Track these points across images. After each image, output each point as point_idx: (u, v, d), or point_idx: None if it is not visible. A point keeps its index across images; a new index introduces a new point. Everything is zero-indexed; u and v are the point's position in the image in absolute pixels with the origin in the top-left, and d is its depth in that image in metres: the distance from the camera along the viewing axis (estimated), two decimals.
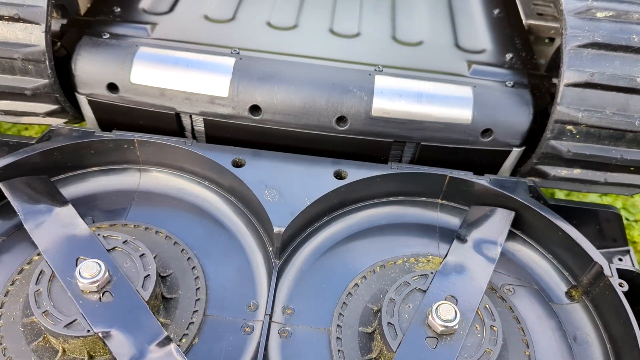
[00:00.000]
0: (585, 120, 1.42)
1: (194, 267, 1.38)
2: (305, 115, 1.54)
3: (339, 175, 1.48)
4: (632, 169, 1.50)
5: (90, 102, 1.60)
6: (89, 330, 1.14)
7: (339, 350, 1.26)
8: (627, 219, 2.44)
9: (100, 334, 1.13)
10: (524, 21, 1.89)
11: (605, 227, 1.61)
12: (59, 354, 1.18)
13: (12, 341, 1.20)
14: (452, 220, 1.56)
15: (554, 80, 1.61)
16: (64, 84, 1.55)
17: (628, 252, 1.53)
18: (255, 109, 1.55)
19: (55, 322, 1.15)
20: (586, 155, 1.47)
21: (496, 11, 1.88)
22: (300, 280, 1.39)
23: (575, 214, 1.60)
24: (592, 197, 2.42)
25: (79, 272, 1.18)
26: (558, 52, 1.73)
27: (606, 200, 2.46)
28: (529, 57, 1.71)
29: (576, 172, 1.53)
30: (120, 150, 1.52)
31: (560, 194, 2.44)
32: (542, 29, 1.89)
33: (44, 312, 1.16)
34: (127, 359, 1.10)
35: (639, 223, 2.46)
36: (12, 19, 1.39)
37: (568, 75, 1.40)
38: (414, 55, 1.69)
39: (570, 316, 1.38)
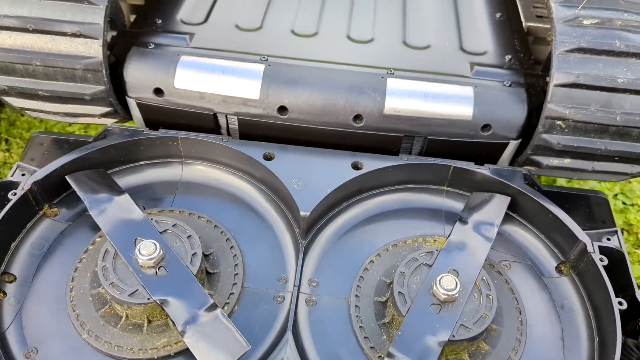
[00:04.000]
0: (572, 116, 1.59)
1: (232, 247, 1.58)
2: (326, 114, 1.72)
3: (355, 166, 1.65)
4: (616, 158, 1.66)
5: (139, 105, 1.79)
6: (149, 298, 1.34)
7: (357, 316, 1.46)
8: (624, 203, 2.60)
9: (158, 301, 1.34)
10: (523, 23, 2.04)
11: (596, 210, 1.78)
12: (123, 318, 1.39)
13: (83, 308, 1.42)
14: (457, 205, 1.72)
15: (548, 79, 1.79)
16: (115, 89, 1.75)
17: (615, 232, 1.71)
18: (282, 109, 1.72)
19: (121, 292, 1.35)
20: (574, 146, 1.63)
21: (498, 15, 2.04)
22: (323, 257, 1.58)
23: (568, 199, 1.77)
24: (592, 183, 2.59)
25: (139, 251, 1.38)
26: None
27: (605, 185, 2.63)
28: (526, 58, 1.88)
29: (566, 162, 1.70)
30: (165, 146, 1.72)
31: (562, 181, 2.61)
32: (541, 30, 2.04)
33: (110, 284, 1.37)
34: (182, 321, 1.31)
35: (635, 207, 2.61)
36: (74, 35, 1.59)
37: (557, 76, 1.57)
38: (422, 58, 1.86)
39: (559, 288, 1.56)
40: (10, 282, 1.46)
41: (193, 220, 1.63)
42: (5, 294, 1.44)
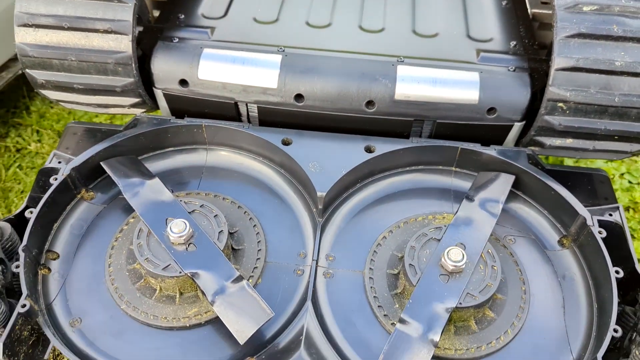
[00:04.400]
0: (573, 98, 1.68)
1: (254, 225, 1.70)
2: (340, 100, 1.82)
3: (368, 149, 1.75)
4: (616, 137, 1.74)
5: (165, 95, 1.91)
6: (180, 272, 1.46)
7: (371, 287, 1.58)
8: (630, 182, 2.67)
9: (189, 274, 1.46)
10: (529, 10, 2.13)
11: (598, 187, 1.87)
12: (157, 291, 1.52)
13: (121, 282, 1.55)
14: (464, 185, 1.81)
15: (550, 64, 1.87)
16: (143, 81, 1.86)
17: (617, 208, 1.79)
18: (299, 97, 1.83)
19: (155, 266, 1.48)
20: (575, 127, 1.72)
21: (504, 2, 2.12)
22: (339, 234, 1.69)
23: (571, 177, 1.85)
24: (599, 163, 2.67)
25: (170, 229, 1.50)
26: None
27: (611, 165, 2.70)
28: (530, 44, 1.96)
29: (568, 142, 1.79)
30: (191, 133, 1.84)
31: (569, 162, 2.69)
32: (546, 16, 2.12)
33: (145, 259, 1.49)
34: (212, 292, 1.43)
35: None
36: (106, 31, 1.72)
37: (558, 61, 1.66)
38: (431, 46, 1.95)
39: (561, 260, 1.65)
40: (54, 259, 1.60)
41: (218, 201, 1.75)
42: (50, 269, 1.58)
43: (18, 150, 3.07)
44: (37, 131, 3.13)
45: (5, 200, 2.80)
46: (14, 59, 2.97)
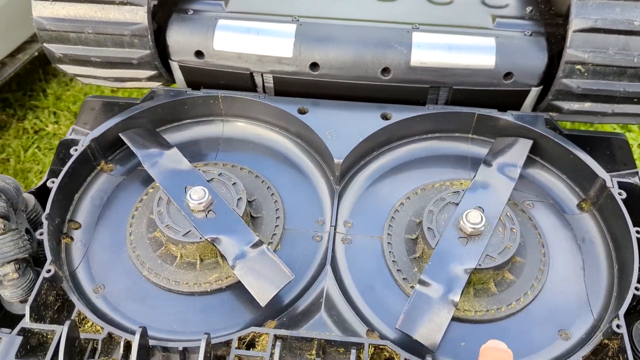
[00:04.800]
0: (591, 60, 1.66)
1: (272, 194, 1.71)
2: (355, 68, 1.82)
3: (384, 117, 1.75)
4: (635, 100, 1.73)
5: (181, 67, 1.92)
6: (200, 238, 1.48)
7: (390, 252, 1.58)
8: None
9: (209, 239, 1.48)
10: None
11: (617, 152, 1.85)
12: (178, 258, 1.55)
13: (142, 250, 1.57)
14: (482, 151, 1.81)
15: (568, 27, 1.85)
16: (159, 54, 1.87)
17: (637, 173, 1.78)
18: (314, 65, 1.83)
19: (175, 233, 1.50)
20: (594, 90, 1.71)
21: None
22: (357, 201, 1.70)
23: (589, 141, 1.84)
24: (618, 130, 2.63)
25: (190, 196, 1.52)
26: None
27: (629, 135, 2.67)
28: (546, 9, 1.94)
29: (587, 106, 1.77)
30: (207, 104, 1.85)
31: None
32: None
33: (166, 226, 1.51)
34: (232, 256, 1.45)
35: None
36: (121, 3, 1.73)
37: (575, 22, 1.65)
38: (446, 13, 1.94)
39: (580, 224, 1.65)
40: (76, 228, 1.63)
41: (236, 171, 1.76)
42: (72, 238, 1.60)
43: (36, 132, 3.10)
44: (54, 113, 3.16)
45: (24, 181, 2.84)
46: (29, 42, 2.99)
